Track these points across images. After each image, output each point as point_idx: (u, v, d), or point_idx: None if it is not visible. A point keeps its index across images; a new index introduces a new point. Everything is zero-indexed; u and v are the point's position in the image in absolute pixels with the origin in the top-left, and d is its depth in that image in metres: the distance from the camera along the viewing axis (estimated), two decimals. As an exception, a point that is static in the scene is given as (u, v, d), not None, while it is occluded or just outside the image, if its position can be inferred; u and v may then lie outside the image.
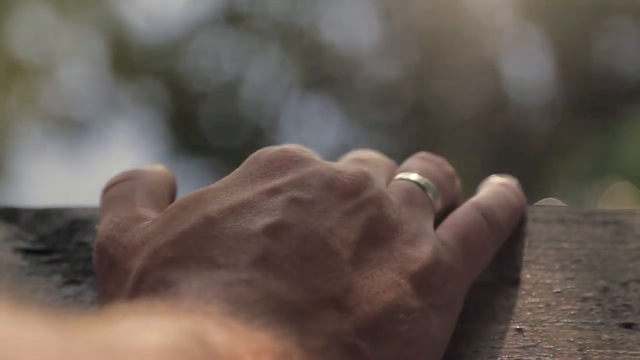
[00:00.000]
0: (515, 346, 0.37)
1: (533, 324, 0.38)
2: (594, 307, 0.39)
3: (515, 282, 0.40)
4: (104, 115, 2.37)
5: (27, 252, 0.42)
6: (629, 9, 2.40)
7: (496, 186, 0.42)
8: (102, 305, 0.36)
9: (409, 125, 2.44)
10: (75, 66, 2.37)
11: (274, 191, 0.35)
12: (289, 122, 2.43)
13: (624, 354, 0.37)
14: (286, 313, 0.32)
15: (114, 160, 2.30)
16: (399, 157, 0.44)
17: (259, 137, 2.37)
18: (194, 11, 2.44)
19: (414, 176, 0.40)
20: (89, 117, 2.35)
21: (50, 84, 2.36)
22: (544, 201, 1.75)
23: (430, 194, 0.40)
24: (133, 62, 2.40)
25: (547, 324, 0.38)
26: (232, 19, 2.46)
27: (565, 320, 0.38)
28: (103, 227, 0.37)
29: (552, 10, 2.38)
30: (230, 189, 0.36)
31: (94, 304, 0.39)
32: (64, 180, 2.25)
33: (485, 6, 2.43)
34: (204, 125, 2.45)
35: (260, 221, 0.34)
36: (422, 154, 0.43)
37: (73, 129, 2.32)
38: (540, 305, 0.39)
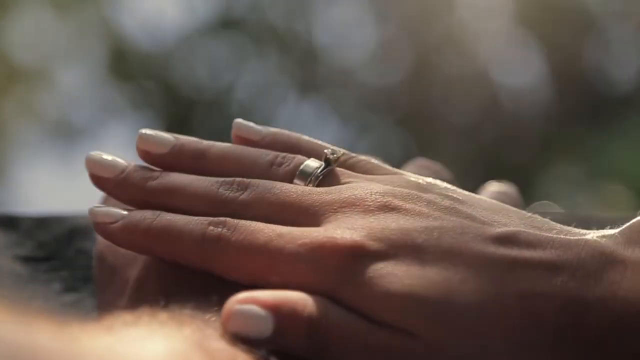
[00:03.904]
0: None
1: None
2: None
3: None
4: (100, 119, 2.36)
5: (26, 259, 0.42)
6: (622, 15, 2.41)
7: (494, 194, 0.42)
8: (102, 313, 0.36)
9: (403, 130, 2.44)
10: (73, 70, 2.37)
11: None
12: (284, 127, 2.42)
13: None
14: None
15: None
16: (393, 162, 0.44)
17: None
18: (190, 16, 2.44)
19: None
20: (85, 121, 2.35)
21: (48, 88, 2.35)
22: (537, 205, 1.74)
23: None
24: (130, 66, 2.40)
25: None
26: (228, 25, 2.46)
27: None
28: (103, 235, 0.37)
29: (546, 16, 2.39)
30: None
31: (94, 312, 0.40)
32: (60, 183, 2.25)
33: (479, 12, 2.44)
34: (200, 130, 2.44)
35: None
36: (420, 161, 0.43)
37: (69, 132, 2.32)
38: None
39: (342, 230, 0.32)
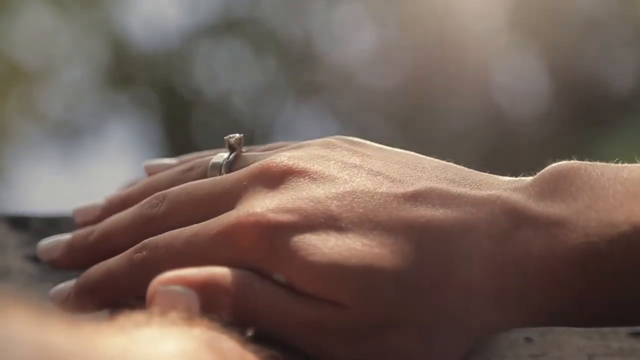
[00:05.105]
0: (525, 354, 0.37)
1: (542, 333, 0.38)
2: (602, 316, 0.39)
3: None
4: (101, 120, 2.37)
5: (36, 259, 0.42)
6: (620, 18, 2.41)
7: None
8: (112, 314, 0.36)
9: (401, 134, 2.45)
10: (74, 71, 2.37)
11: None
12: (283, 130, 2.43)
13: (633, 362, 0.37)
14: None
15: (110, 164, 2.30)
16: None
17: (252, 144, 2.38)
18: (190, 20, 2.44)
19: None
20: (85, 122, 2.35)
21: (49, 88, 2.36)
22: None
23: None
24: (130, 68, 2.41)
25: (556, 333, 0.38)
26: (228, 28, 2.46)
27: (574, 329, 0.38)
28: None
29: (545, 20, 2.39)
30: None
31: (104, 311, 0.39)
32: (61, 183, 2.25)
33: (478, 16, 2.44)
34: (199, 132, 2.45)
35: None
36: None
37: (71, 132, 2.32)
38: (548, 314, 0.39)
39: (252, 206, 0.32)
